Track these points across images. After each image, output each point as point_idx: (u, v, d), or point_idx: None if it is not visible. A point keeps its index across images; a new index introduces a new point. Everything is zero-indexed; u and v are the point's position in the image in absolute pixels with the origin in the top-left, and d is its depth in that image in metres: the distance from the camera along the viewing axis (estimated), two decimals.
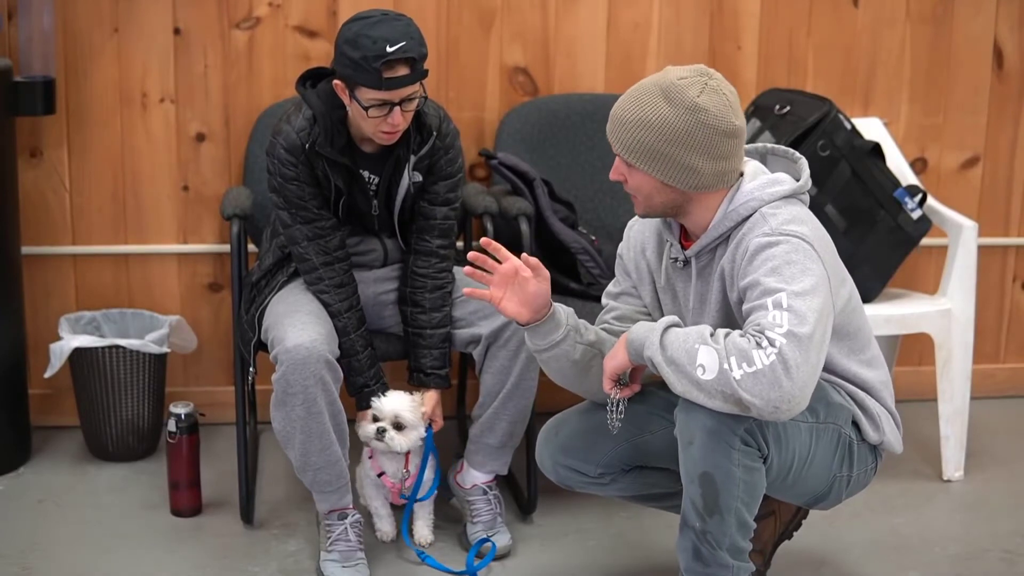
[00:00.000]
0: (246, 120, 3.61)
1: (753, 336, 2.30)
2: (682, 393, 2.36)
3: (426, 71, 2.84)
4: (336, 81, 2.86)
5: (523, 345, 2.98)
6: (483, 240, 2.54)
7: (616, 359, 2.49)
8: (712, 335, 2.34)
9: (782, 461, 2.46)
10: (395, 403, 2.96)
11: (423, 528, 3.08)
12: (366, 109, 2.81)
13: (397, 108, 2.81)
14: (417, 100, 2.85)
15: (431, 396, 3.03)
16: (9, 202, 3.39)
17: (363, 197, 3.00)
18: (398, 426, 2.95)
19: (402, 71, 2.78)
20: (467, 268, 2.55)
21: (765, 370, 2.26)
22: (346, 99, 2.86)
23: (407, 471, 3.03)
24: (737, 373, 2.27)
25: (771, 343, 2.27)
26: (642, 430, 2.63)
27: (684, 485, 2.46)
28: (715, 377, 2.29)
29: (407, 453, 3.01)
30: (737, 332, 2.33)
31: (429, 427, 3.02)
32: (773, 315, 2.30)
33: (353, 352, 2.98)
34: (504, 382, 3.01)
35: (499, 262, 2.53)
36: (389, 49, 2.74)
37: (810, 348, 2.29)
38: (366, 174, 2.99)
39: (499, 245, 2.52)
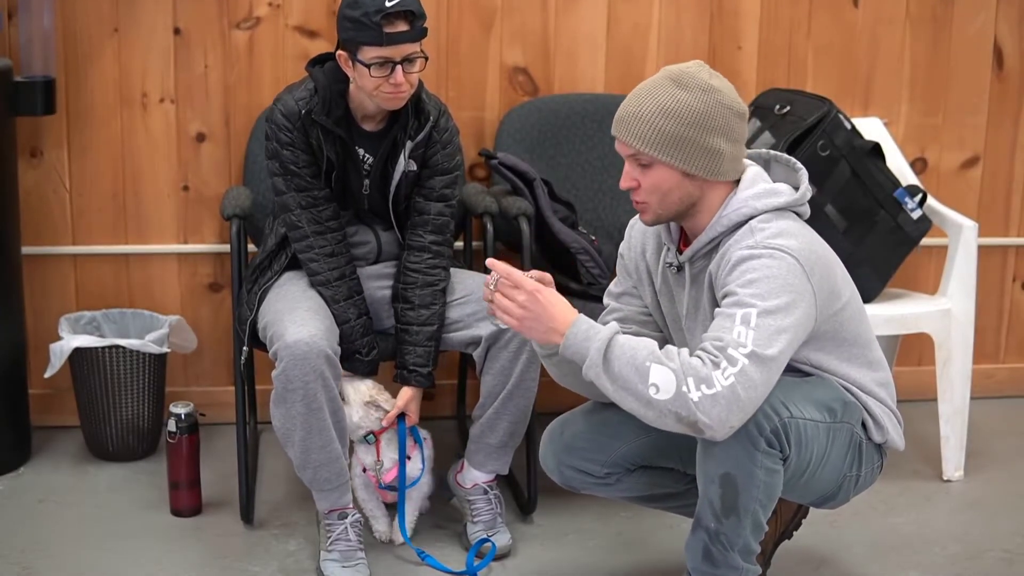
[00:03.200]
0: (246, 120, 3.61)
1: (710, 356, 2.29)
2: (627, 409, 2.35)
3: (425, 30, 2.88)
4: (339, 53, 2.91)
5: (524, 345, 2.98)
6: (489, 262, 2.49)
7: (536, 337, 2.46)
8: (663, 350, 2.33)
9: (800, 462, 2.45)
10: (346, 386, 2.99)
11: (408, 524, 3.08)
12: (368, 67, 2.84)
13: (399, 67, 2.84)
14: (419, 61, 2.89)
15: (407, 391, 3.03)
16: (9, 202, 3.39)
17: (355, 175, 3.02)
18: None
19: (402, 26, 2.83)
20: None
21: (725, 392, 2.27)
22: (349, 69, 2.90)
23: (380, 461, 3.03)
24: (696, 395, 2.27)
25: (731, 363, 2.28)
26: (648, 430, 2.62)
27: (702, 485, 2.45)
28: (670, 398, 2.28)
29: (377, 443, 3.02)
30: (686, 351, 2.33)
31: (402, 419, 3.02)
32: (738, 331, 2.30)
33: (345, 319, 2.98)
34: (505, 383, 3.01)
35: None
36: (388, 4, 2.80)
37: (772, 368, 2.31)
38: (361, 151, 3.01)
39: (506, 267, 2.46)
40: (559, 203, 3.45)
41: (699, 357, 2.30)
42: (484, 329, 3.01)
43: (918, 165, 3.94)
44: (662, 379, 2.28)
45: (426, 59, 2.91)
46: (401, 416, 3.04)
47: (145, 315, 3.63)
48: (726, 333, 2.31)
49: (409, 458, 3.05)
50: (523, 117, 3.65)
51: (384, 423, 3.01)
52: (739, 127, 2.46)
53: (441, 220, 3.08)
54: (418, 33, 2.87)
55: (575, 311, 2.44)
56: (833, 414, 2.48)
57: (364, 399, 2.98)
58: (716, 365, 2.28)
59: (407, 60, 2.87)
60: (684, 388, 2.27)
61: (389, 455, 3.04)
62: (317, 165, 2.99)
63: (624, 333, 2.42)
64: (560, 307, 2.43)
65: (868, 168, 3.43)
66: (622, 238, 2.76)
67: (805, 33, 3.84)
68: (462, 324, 3.05)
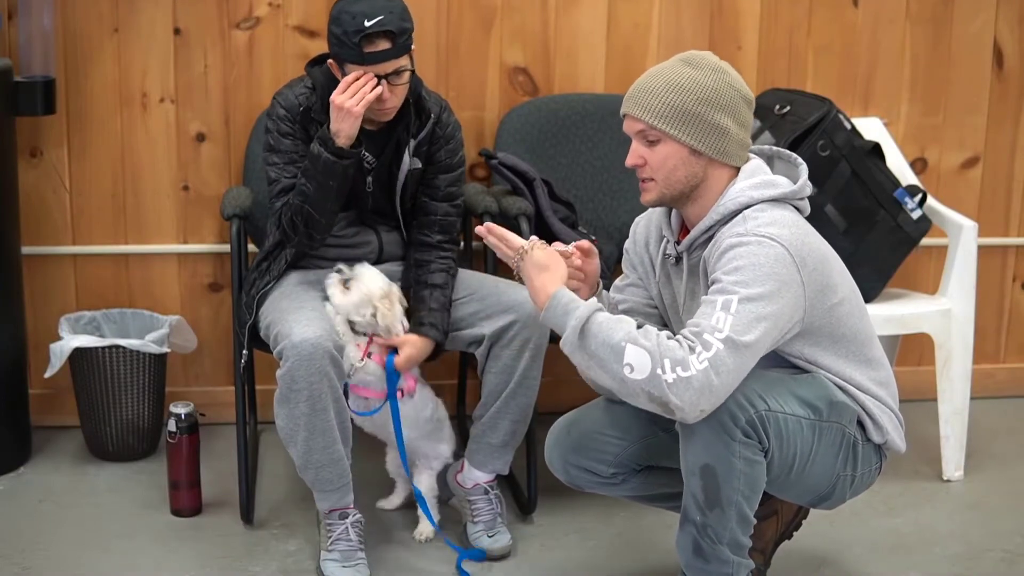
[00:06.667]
0: (246, 120, 3.61)
1: (687, 340, 2.31)
2: (600, 383, 2.39)
3: (409, 44, 2.88)
4: (330, 60, 2.93)
5: (527, 344, 2.98)
6: (485, 227, 2.54)
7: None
8: (640, 330, 2.34)
9: (783, 457, 2.46)
10: (367, 272, 2.95)
11: (425, 524, 3.08)
12: None
13: (384, 83, 2.85)
14: (406, 74, 2.89)
15: (412, 337, 2.97)
16: (9, 202, 3.39)
17: (357, 174, 3.02)
18: (346, 285, 2.94)
19: (383, 45, 2.83)
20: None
21: (699, 375, 2.29)
22: (340, 77, 2.91)
23: (364, 360, 2.96)
24: (670, 377, 2.29)
25: (705, 347, 2.30)
26: (654, 429, 2.64)
27: (685, 478, 2.47)
28: (645, 378, 2.30)
29: (369, 342, 2.96)
30: (666, 334, 2.34)
31: (392, 355, 2.96)
32: (717, 316, 2.32)
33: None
34: (507, 381, 3.01)
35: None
36: (367, 24, 2.80)
37: (746, 355, 2.33)
38: (362, 151, 3.00)
39: (503, 231, 2.54)
40: (559, 203, 3.46)
41: (677, 340, 2.32)
42: (487, 328, 3.01)
43: (918, 165, 3.94)
44: (637, 359, 2.31)
45: (412, 71, 2.91)
46: (393, 366, 2.98)
47: (145, 315, 3.63)
48: (705, 319, 2.33)
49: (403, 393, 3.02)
50: (523, 117, 3.65)
51: (374, 356, 2.96)
52: (746, 112, 2.50)
53: (448, 220, 3.10)
54: (401, 49, 2.86)
55: (558, 282, 2.46)
56: (818, 412, 2.48)
57: (380, 293, 2.95)
58: (692, 349, 2.30)
59: (393, 73, 2.87)
60: (659, 370, 2.29)
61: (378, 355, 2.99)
62: None
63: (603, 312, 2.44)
64: (544, 275, 2.47)
65: (868, 168, 3.43)
66: (622, 238, 2.78)
67: (805, 33, 3.84)
68: (464, 323, 3.05)
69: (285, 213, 3.00)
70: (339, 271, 2.97)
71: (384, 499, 3.25)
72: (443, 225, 3.09)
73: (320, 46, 3.59)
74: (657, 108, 2.46)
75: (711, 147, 2.46)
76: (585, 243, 2.60)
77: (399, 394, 3.00)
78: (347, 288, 2.95)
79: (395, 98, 2.91)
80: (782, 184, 2.50)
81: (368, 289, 2.94)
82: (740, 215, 2.45)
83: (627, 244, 2.76)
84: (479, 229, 2.56)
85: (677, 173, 2.49)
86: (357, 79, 2.84)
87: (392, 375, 2.97)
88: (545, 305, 2.44)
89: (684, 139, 2.46)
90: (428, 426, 3.09)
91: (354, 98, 2.84)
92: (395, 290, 2.99)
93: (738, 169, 2.51)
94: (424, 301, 3.03)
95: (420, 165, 3.05)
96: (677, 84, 2.46)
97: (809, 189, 2.53)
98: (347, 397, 2.95)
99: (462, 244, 3.53)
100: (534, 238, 2.53)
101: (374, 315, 2.94)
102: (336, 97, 2.85)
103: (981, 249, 3.62)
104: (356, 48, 2.81)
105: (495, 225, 2.56)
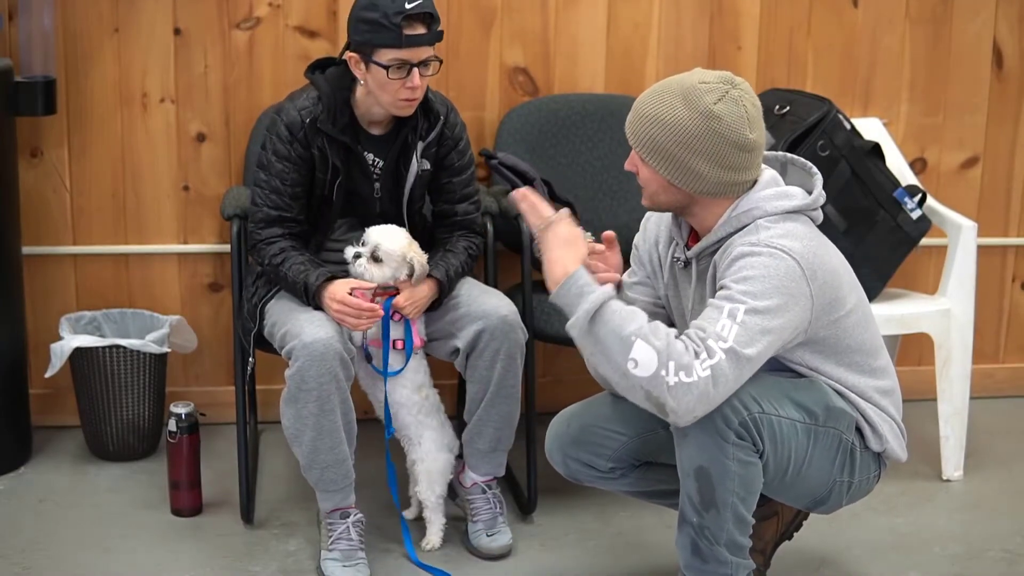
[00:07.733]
0: (246, 120, 3.61)
1: (693, 344, 2.31)
2: (600, 371, 2.39)
3: (441, 33, 2.90)
4: (350, 54, 2.91)
5: (498, 353, 2.97)
6: (520, 192, 2.56)
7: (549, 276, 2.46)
8: (651, 326, 2.33)
9: (778, 460, 2.46)
10: (384, 233, 2.94)
11: (434, 535, 3.08)
12: (386, 69, 2.85)
13: (416, 70, 2.86)
14: (434, 65, 2.90)
15: (420, 285, 2.97)
16: (9, 202, 3.39)
17: (364, 180, 3.01)
18: (375, 258, 2.92)
19: (420, 29, 2.85)
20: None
21: (699, 383, 2.29)
22: (361, 72, 2.91)
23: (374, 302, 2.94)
24: (672, 380, 2.29)
25: (710, 354, 2.30)
26: (653, 426, 2.63)
27: (680, 479, 2.47)
28: (647, 377, 2.30)
29: (372, 297, 2.94)
30: (674, 333, 2.34)
31: (390, 299, 2.94)
32: (722, 324, 2.32)
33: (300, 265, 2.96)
34: (485, 389, 3.01)
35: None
36: (408, 6, 2.81)
37: (746, 368, 2.33)
38: (370, 156, 3.01)
39: (536, 199, 2.54)
40: (559, 203, 3.45)
41: (683, 342, 2.32)
42: (460, 340, 3.00)
43: (918, 165, 3.94)
44: (643, 356, 2.30)
45: (440, 62, 2.92)
46: (390, 301, 2.96)
47: (145, 315, 3.63)
48: (710, 324, 2.33)
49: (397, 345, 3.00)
50: (523, 117, 3.65)
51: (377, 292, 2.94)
52: (734, 156, 2.43)
53: (469, 218, 3.13)
54: (435, 36, 2.88)
55: (577, 262, 2.45)
56: (814, 416, 2.48)
57: (406, 243, 2.94)
58: (697, 354, 2.30)
59: (422, 63, 2.88)
60: (663, 372, 2.29)
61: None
62: (303, 185, 2.98)
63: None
64: (565, 251, 2.46)
65: (868, 168, 3.43)
66: (623, 238, 2.77)
67: (805, 33, 3.84)
68: (443, 333, 3.05)
69: (261, 254, 3.00)
70: (357, 255, 2.93)
71: (407, 510, 3.20)
72: (464, 223, 3.12)
73: (320, 46, 3.59)
74: (640, 136, 2.46)
75: (687, 185, 2.45)
76: (610, 233, 2.61)
77: (401, 344, 2.98)
78: (379, 260, 2.93)
79: (422, 89, 2.91)
80: (797, 196, 2.49)
81: (397, 249, 2.92)
82: (753, 224, 2.44)
83: (637, 239, 2.75)
84: (514, 193, 2.56)
85: (659, 196, 2.51)
86: (365, 309, 2.86)
87: (387, 317, 2.94)
88: (560, 282, 2.42)
89: (660, 172, 2.46)
90: (415, 397, 3.03)
91: (346, 319, 2.87)
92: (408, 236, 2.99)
93: (731, 198, 2.50)
94: (442, 255, 3.05)
95: (428, 167, 3.06)
96: (661, 119, 2.42)
97: (823, 199, 2.52)
98: (369, 360, 2.97)
99: None
100: (564, 210, 2.52)
101: (411, 269, 2.93)
102: (338, 301, 2.86)
103: (981, 249, 3.62)
104: (396, 30, 2.81)
105: (531, 192, 2.55)
